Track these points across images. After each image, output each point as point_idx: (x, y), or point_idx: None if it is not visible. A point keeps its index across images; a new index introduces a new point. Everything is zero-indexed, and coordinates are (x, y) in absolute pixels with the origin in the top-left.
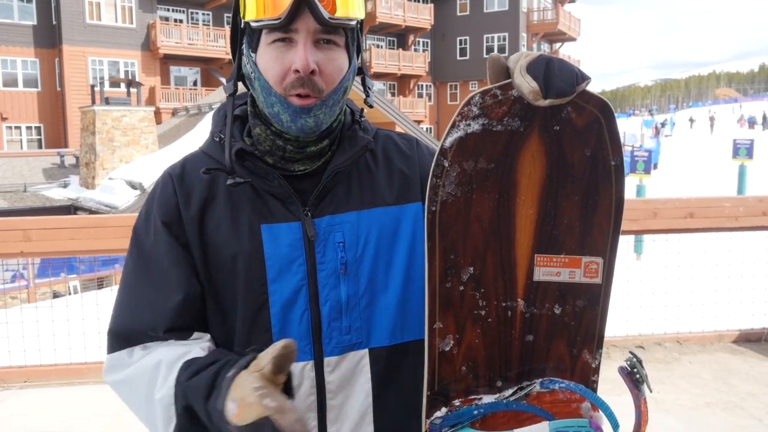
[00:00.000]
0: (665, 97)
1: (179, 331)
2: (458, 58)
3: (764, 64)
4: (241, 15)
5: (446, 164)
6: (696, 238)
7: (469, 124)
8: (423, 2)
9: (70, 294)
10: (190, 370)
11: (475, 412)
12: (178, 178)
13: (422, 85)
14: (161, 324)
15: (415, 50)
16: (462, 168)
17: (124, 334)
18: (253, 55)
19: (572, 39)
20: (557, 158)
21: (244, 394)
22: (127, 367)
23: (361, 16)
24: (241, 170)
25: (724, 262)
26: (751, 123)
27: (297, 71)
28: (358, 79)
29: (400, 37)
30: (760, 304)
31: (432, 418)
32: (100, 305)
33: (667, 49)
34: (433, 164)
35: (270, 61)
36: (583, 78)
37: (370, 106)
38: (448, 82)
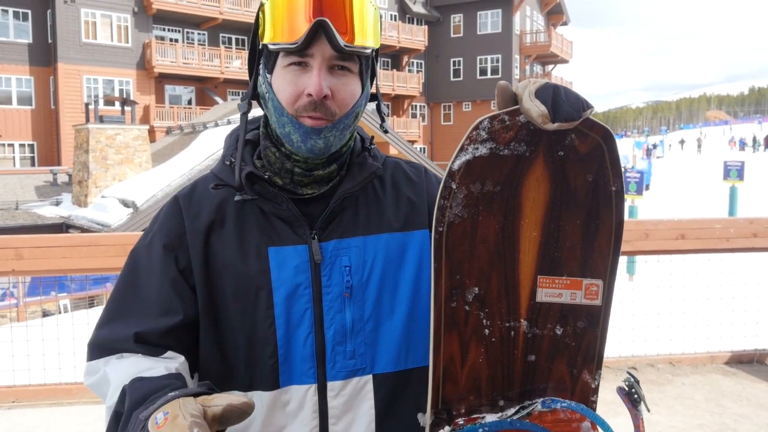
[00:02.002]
0: (657, 119)
1: (152, 346)
2: (452, 79)
3: (754, 87)
4: (260, 37)
5: (454, 186)
6: (687, 259)
7: (477, 148)
8: (417, 24)
9: (60, 313)
10: (139, 384)
11: (480, 431)
12: (186, 198)
13: (416, 106)
14: (132, 336)
15: (409, 71)
16: (469, 190)
17: (100, 345)
18: (268, 76)
19: (564, 61)
20: (560, 183)
21: (178, 413)
22: (98, 373)
23: (377, 45)
24: (250, 193)
25: (715, 284)
26: (742, 146)
27: (310, 95)
28: (372, 106)
29: (394, 57)
30: (751, 325)
31: None
32: (91, 324)
33: (658, 71)
34: (441, 186)
35: (284, 83)
36: (588, 105)
37: (386, 131)
38: (442, 102)
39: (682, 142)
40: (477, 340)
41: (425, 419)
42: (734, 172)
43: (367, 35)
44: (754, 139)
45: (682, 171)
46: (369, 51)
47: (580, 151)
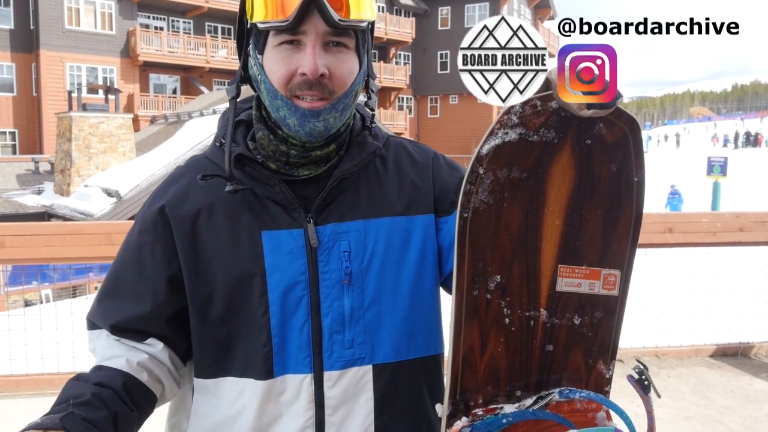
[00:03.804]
0: (641, 115)
1: (132, 332)
2: (439, 71)
3: (737, 84)
4: (248, 16)
5: (481, 171)
6: (674, 253)
7: (507, 133)
8: (405, 16)
9: (42, 302)
10: (72, 384)
11: (504, 421)
12: (173, 184)
13: (403, 98)
14: (110, 326)
15: (396, 63)
16: (496, 176)
17: (92, 322)
18: (259, 57)
19: (552, 55)
20: (585, 172)
21: None
22: (94, 341)
23: (373, 17)
24: (241, 176)
25: (701, 277)
26: (726, 143)
27: (304, 74)
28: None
29: (381, 49)
30: (736, 318)
31: (459, 428)
32: (75, 314)
33: (642, 67)
34: (467, 171)
35: (276, 63)
36: (619, 94)
37: (372, 109)
38: (429, 95)
39: (665, 137)
40: (497, 329)
41: (442, 410)
42: (717, 167)
43: (362, 7)
44: (736, 136)
45: (667, 166)
46: (365, 24)
47: (607, 140)
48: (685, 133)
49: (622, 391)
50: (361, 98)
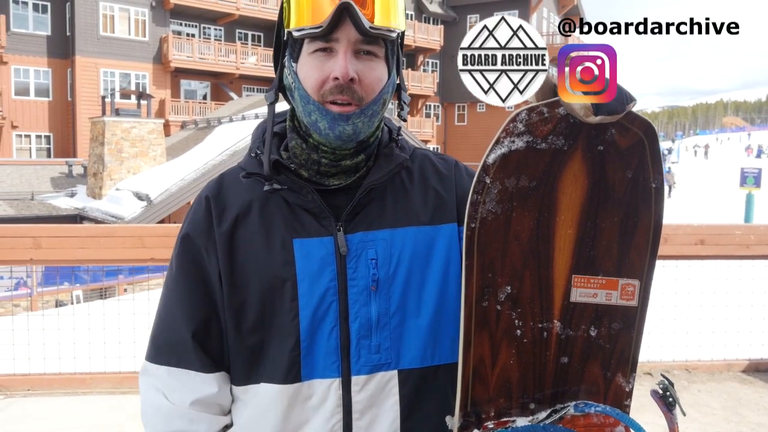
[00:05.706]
0: (672, 124)
1: (195, 358)
2: None
3: None
4: (285, 25)
5: (488, 181)
6: (706, 265)
7: (513, 141)
8: (433, 24)
9: (72, 303)
10: None
11: None
12: (214, 196)
13: (430, 105)
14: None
15: (424, 71)
16: (503, 185)
17: (158, 350)
18: (294, 65)
19: None
20: (599, 179)
21: None
22: (150, 379)
23: (402, 27)
24: (276, 183)
25: (734, 291)
26: (759, 154)
27: (336, 79)
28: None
29: (409, 57)
30: None
31: None
32: (107, 315)
33: (674, 75)
34: (474, 180)
35: (310, 70)
36: (631, 98)
37: (404, 120)
38: (456, 103)
39: (696, 147)
40: (508, 341)
41: (453, 422)
42: (751, 178)
43: (391, 17)
44: None
45: (697, 176)
46: (394, 34)
47: (621, 146)
48: (718, 144)
49: (651, 405)
50: (392, 107)
